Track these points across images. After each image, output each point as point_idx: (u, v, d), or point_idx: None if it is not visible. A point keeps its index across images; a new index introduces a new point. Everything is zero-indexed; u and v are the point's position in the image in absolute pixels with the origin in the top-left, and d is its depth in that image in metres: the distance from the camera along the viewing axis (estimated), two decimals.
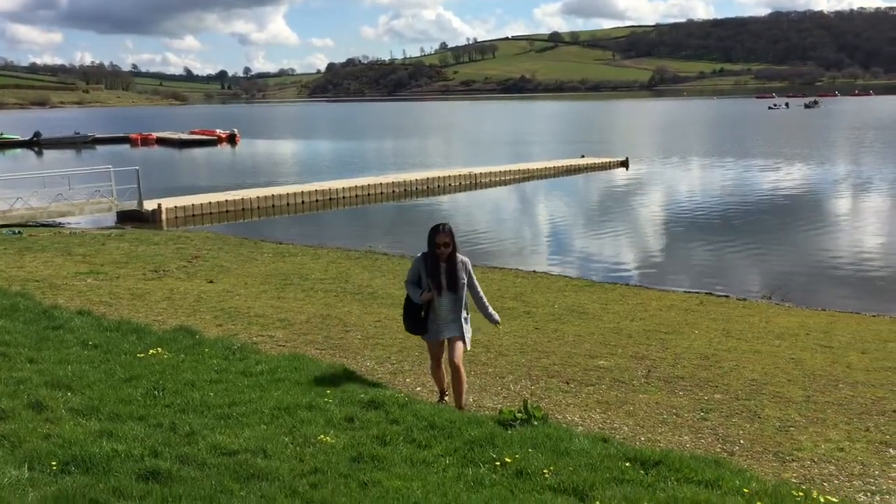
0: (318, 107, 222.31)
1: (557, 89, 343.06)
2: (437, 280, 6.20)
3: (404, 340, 8.46)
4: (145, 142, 65.69)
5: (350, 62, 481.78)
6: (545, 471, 4.61)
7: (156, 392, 5.92)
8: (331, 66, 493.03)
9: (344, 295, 11.82)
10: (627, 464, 4.75)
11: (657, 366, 7.90)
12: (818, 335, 9.68)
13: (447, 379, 6.40)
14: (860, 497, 4.83)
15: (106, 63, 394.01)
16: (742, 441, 5.83)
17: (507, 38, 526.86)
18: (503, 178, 32.87)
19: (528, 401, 6.06)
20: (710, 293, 13.17)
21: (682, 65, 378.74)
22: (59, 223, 22.16)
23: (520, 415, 5.60)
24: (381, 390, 6.29)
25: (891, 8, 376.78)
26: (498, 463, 4.73)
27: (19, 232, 18.89)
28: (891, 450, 5.65)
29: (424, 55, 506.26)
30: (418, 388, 7.01)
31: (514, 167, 34.66)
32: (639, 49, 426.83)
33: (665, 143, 54.47)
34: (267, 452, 4.79)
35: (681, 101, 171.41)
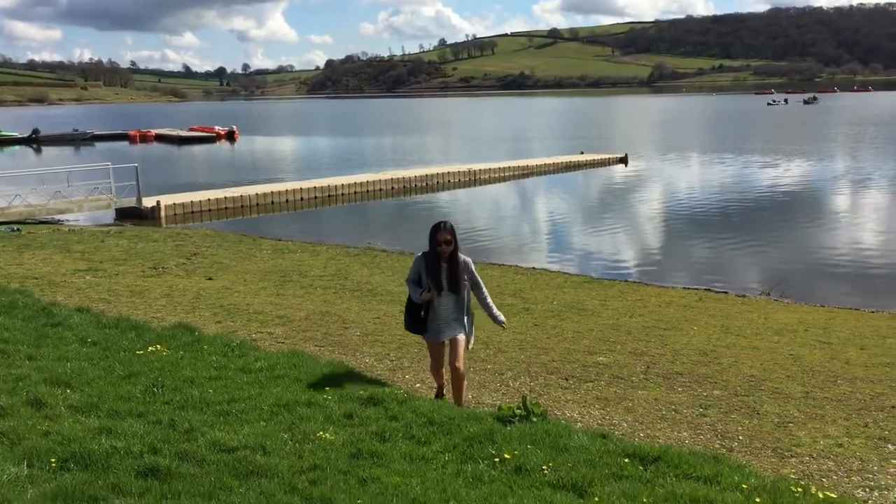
0: (317, 103, 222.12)
1: (556, 86, 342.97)
2: (437, 280, 6.11)
3: (403, 337, 8.46)
4: (144, 139, 65.65)
5: (349, 59, 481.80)
6: (544, 467, 4.61)
7: (155, 389, 5.92)
8: (329, 63, 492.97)
9: (343, 292, 11.82)
10: (626, 460, 4.75)
11: (656, 362, 7.91)
12: (817, 331, 9.68)
13: (447, 376, 6.36)
14: (859, 492, 4.84)
15: (104, 60, 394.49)
16: (741, 437, 5.84)
17: (506, 35, 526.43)
18: (502, 175, 32.86)
19: (527, 397, 6.06)
20: (709, 289, 13.17)
21: (681, 61, 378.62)
22: (58, 220, 22.16)
23: (519, 411, 5.60)
24: (380, 387, 6.29)
25: (890, 4, 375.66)
26: (497, 459, 4.73)
27: (18, 229, 18.86)
28: (889, 445, 5.66)
29: (423, 52, 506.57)
30: (417, 385, 7.01)
31: (513, 164, 34.64)
32: (638, 45, 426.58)
33: (664, 140, 54.48)
34: (266, 449, 4.80)
35: (680, 98, 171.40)
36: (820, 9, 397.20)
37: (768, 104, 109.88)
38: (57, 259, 14.35)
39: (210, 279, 12.66)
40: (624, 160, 37.80)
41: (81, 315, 8.54)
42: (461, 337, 6.16)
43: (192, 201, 23.94)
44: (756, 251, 17.71)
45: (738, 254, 17.56)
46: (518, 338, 8.89)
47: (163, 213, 22.78)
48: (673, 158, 40.80)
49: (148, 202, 23.05)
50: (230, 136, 65.22)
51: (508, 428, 5.32)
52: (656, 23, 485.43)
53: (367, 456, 4.76)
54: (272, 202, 25.58)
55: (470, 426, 5.28)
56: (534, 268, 15.25)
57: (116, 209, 23.11)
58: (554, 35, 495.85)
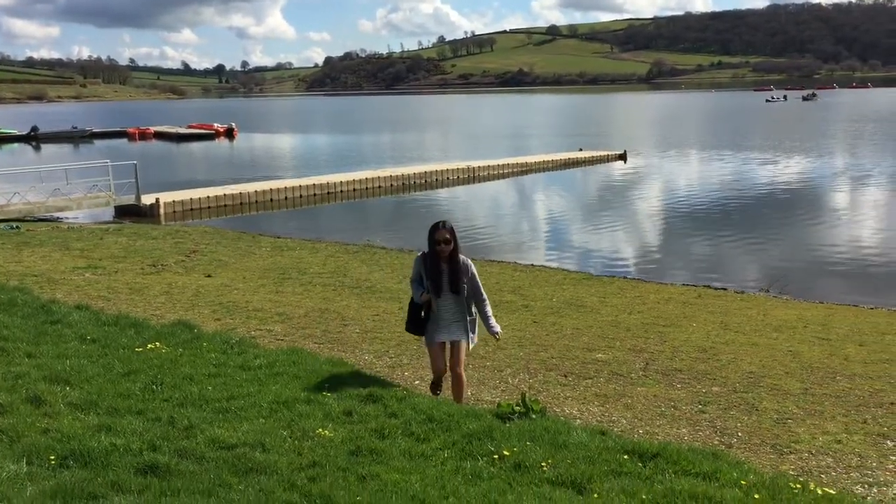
0: (316, 100, 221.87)
1: (555, 82, 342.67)
2: (436, 282, 6.00)
3: (402, 334, 8.44)
4: (143, 136, 65.58)
5: (348, 56, 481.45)
6: (543, 464, 4.62)
7: (154, 386, 5.92)
8: (328, 60, 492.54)
9: (342, 289, 11.82)
10: (625, 456, 4.76)
11: (655, 359, 7.91)
12: (816, 328, 9.69)
13: (448, 377, 6.27)
14: (857, 489, 4.85)
15: (103, 57, 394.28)
16: (740, 433, 5.84)
17: (504, 32, 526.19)
18: (501, 172, 32.84)
19: (527, 394, 6.06)
20: (708, 286, 13.17)
21: (680, 58, 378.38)
22: (57, 218, 22.13)
23: (518, 408, 5.60)
24: (380, 384, 6.29)
25: (889, 0, 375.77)
26: (496, 456, 4.73)
27: (17, 227, 18.86)
28: (888, 442, 5.67)
29: (422, 49, 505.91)
30: (417, 382, 7.02)
31: (512, 161, 34.61)
32: (637, 42, 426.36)
33: (663, 136, 54.47)
34: (265, 446, 4.80)
35: (679, 94, 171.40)
36: (819, 5, 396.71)
37: (767, 101, 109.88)
38: (56, 256, 14.34)
39: (209, 276, 12.66)
40: (623, 157, 37.79)
41: (80, 312, 8.54)
42: (462, 343, 6.10)
43: (191, 199, 23.92)
44: (755, 248, 17.71)
45: (737, 250, 17.56)
46: (517, 335, 8.89)
47: (162, 211, 22.76)
48: (672, 155, 40.80)
49: (147, 199, 23.03)
50: (229, 134, 65.16)
51: (507, 425, 5.32)
52: (655, 19, 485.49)
53: (367, 453, 4.76)
54: (271, 199, 25.57)
55: (469, 423, 5.28)
56: (533, 265, 15.25)
57: (115, 207, 23.09)
58: (553, 32, 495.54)
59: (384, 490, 4.22)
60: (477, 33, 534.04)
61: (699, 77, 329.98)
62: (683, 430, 5.93)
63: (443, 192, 28.56)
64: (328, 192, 27.09)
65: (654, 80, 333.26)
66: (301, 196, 26.33)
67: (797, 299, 12.26)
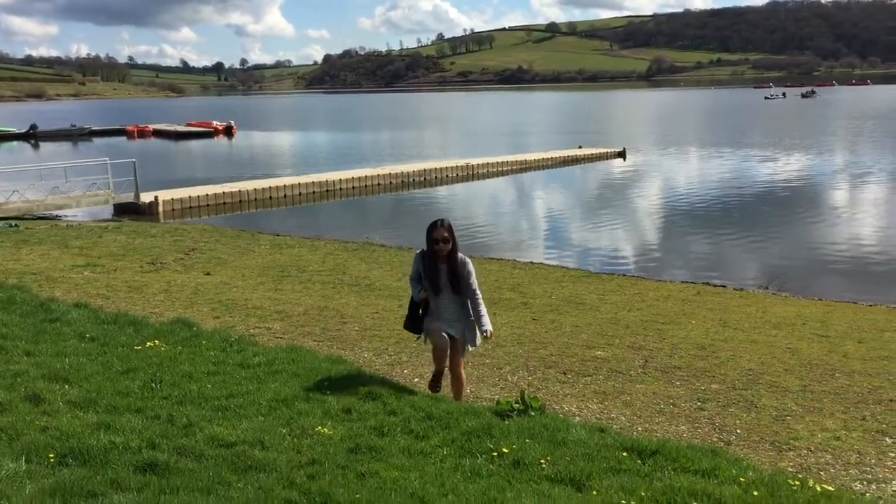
0: (315, 98, 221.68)
1: (555, 80, 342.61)
2: (434, 281, 5.92)
3: (402, 332, 8.41)
4: (142, 134, 65.53)
5: (347, 53, 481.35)
6: (542, 461, 4.62)
7: (153, 384, 5.92)
8: (327, 58, 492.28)
9: (341, 287, 11.82)
10: (624, 453, 4.76)
11: (654, 356, 7.91)
12: (815, 325, 9.69)
13: (447, 371, 6.25)
14: (856, 485, 4.85)
15: (102, 55, 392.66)
16: (739, 430, 5.84)
17: (504, 29, 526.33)
18: (500, 170, 32.83)
19: (526, 391, 6.06)
20: (707, 283, 13.17)
21: (679, 55, 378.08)
22: (56, 216, 22.12)
23: (517, 405, 5.60)
24: (379, 382, 6.29)
25: None
26: (495, 453, 4.73)
27: (16, 225, 18.86)
28: (887, 438, 5.67)
29: (421, 46, 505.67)
30: (416, 380, 7.01)
31: (511, 158, 34.61)
32: (636, 39, 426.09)
33: (662, 134, 54.44)
34: (264, 444, 4.80)
35: (678, 92, 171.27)
36: (818, 2, 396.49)
37: (766, 98, 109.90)
38: (55, 254, 14.34)
39: (208, 274, 12.66)
40: (622, 154, 37.78)
41: (79, 310, 8.54)
42: (467, 339, 6.04)
43: (189, 196, 23.92)
44: (754, 245, 17.71)
45: (737, 248, 17.56)
46: (516, 332, 8.89)
47: (161, 209, 22.75)
48: (671, 153, 40.79)
49: (146, 197, 23.03)
50: (228, 132, 65.11)
51: (507, 422, 5.32)
52: (654, 17, 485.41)
53: (366, 450, 4.76)
54: (270, 197, 25.56)
55: (468, 420, 5.29)
56: (532, 262, 15.25)
57: (114, 204, 23.10)
58: (552, 29, 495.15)
59: (383, 487, 4.22)
60: (476, 31, 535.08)
61: (698, 74, 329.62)
62: (682, 427, 5.93)
63: (442, 190, 28.55)
64: (327, 190, 27.08)
65: (654, 77, 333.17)
66: (300, 194, 26.33)
67: (796, 296, 12.27)
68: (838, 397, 6.64)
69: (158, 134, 65.86)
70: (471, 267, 6.03)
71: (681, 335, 8.87)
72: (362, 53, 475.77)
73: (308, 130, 72.71)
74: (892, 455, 5.36)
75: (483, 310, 6.03)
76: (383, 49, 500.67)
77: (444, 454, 4.77)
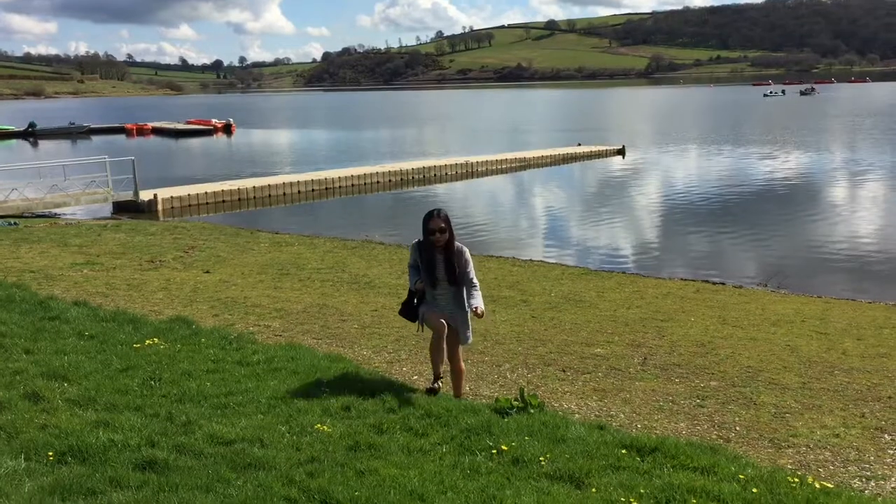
0: (314, 96, 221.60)
1: (554, 77, 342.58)
2: (431, 273, 5.89)
3: (401, 329, 8.47)
4: (141, 132, 65.51)
5: (346, 51, 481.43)
6: (541, 458, 4.62)
7: (152, 382, 5.92)
8: (326, 55, 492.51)
9: (340, 284, 11.81)
10: (623, 451, 4.76)
11: (653, 353, 7.92)
12: (814, 322, 9.70)
13: (444, 367, 6.26)
14: (855, 483, 4.85)
15: (101, 53, 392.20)
16: (738, 428, 5.85)
17: (503, 27, 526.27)
18: (499, 167, 32.83)
19: (525, 389, 6.06)
20: (707, 281, 13.18)
21: (678, 52, 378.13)
22: (55, 214, 22.11)
23: (516, 403, 5.60)
24: (378, 379, 6.29)
25: None
26: (494, 451, 4.74)
27: (15, 223, 18.85)
28: (886, 436, 5.67)
29: (420, 44, 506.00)
30: (415, 377, 7.01)
31: (510, 156, 34.61)
32: (635, 37, 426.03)
33: (661, 131, 54.42)
34: (264, 442, 4.80)
35: (677, 89, 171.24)
36: (817, 0, 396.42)
37: (765, 95, 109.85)
38: (54, 253, 14.33)
39: (207, 272, 12.65)
40: (621, 152, 37.78)
41: (79, 309, 8.54)
42: (459, 330, 6.02)
43: (189, 194, 23.90)
44: (753, 242, 17.72)
45: (736, 245, 17.57)
46: (516, 330, 8.89)
47: (160, 207, 22.75)
48: (670, 150, 40.76)
49: (145, 195, 23.02)
50: (227, 129, 65.09)
51: (506, 420, 5.32)
52: (654, 14, 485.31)
53: (365, 448, 4.76)
54: (269, 195, 25.55)
55: (467, 418, 5.29)
56: (531, 260, 15.26)
57: (113, 202, 23.08)
58: (551, 27, 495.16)
59: (382, 485, 4.22)
60: (475, 28, 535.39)
61: (697, 72, 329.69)
62: (681, 424, 5.93)
63: (441, 188, 28.54)
64: (326, 188, 27.07)
65: (653, 74, 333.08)
66: (299, 192, 26.32)
67: (795, 294, 12.27)
68: (837, 394, 6.64)
69: (157, 132, 65.82)
70: (468, 256, 5.99)
71: (680, 332, 8.88)
72: (361, 51, 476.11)
73: (307, 128, 72.66)
74: (891, 452, 5.37)
75: (477, 293, 5.91)
76: (382, 47, 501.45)
77: (444, 452, 4.77)
